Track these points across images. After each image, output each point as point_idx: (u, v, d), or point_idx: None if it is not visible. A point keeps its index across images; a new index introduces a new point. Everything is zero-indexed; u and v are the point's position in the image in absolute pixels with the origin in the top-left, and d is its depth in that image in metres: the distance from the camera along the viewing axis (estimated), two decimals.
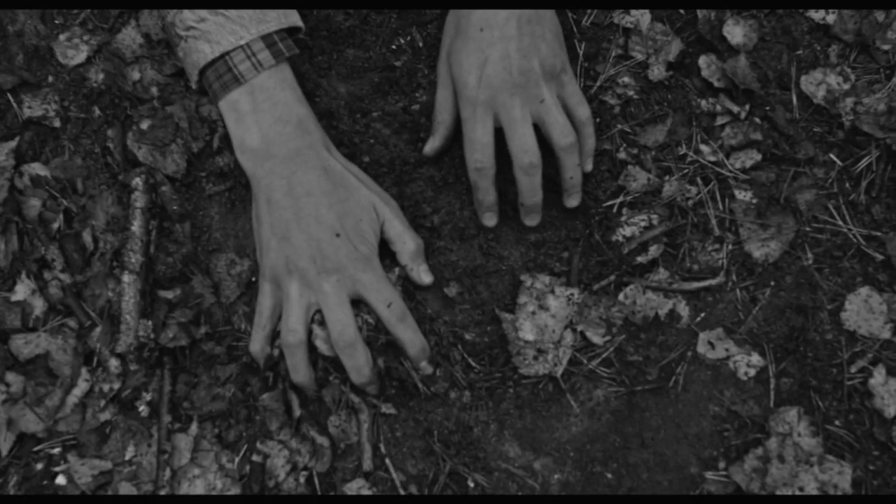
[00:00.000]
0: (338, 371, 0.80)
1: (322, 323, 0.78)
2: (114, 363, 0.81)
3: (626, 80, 0.88)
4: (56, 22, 0.89)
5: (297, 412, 0.80)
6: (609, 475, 0.80)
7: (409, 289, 0.83)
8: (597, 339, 0.82)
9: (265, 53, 0.77)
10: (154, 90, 0.87)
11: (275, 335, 0.81)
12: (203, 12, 0.76)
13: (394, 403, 0.81)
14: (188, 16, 0.77)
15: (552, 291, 0.83)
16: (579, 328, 0.82)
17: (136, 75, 0.87)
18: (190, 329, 0.82)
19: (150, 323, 0.82)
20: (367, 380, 0.78)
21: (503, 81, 0.78)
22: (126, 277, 0.81)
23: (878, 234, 0.84)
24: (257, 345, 0.80)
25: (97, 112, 0.87)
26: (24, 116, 0.87)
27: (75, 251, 0.84)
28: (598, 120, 0.87)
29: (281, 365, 0.81)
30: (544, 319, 0.82)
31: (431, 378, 0.82)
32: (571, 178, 0.82)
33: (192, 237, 0.85)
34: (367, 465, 0.80)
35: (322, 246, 0.76)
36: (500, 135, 0.80)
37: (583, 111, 0.83)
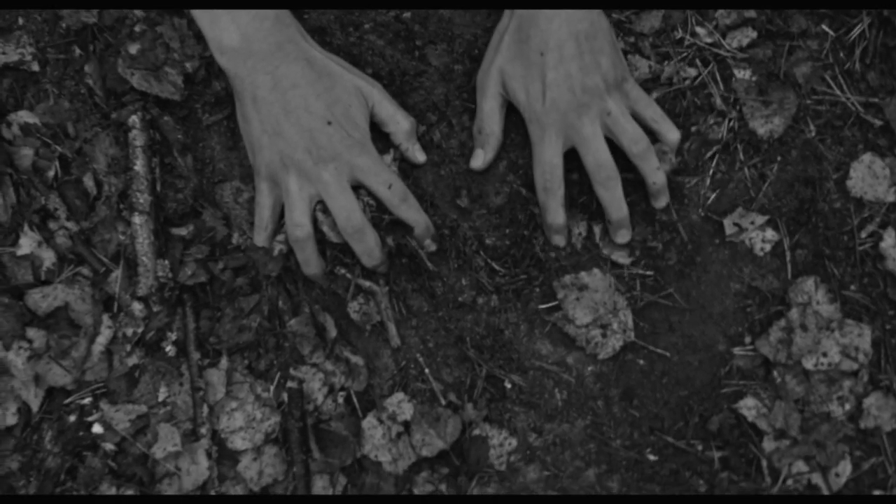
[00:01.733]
0: (347, 257, 0.87)
1: (325, 212, 0.85)
2: (137, 307, 0.86)
3: None
4: None
5: (333, 333, 0.87)
6: (641, 361, 0.89)
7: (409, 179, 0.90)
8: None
9: None
10: (137, 12, 0.90)
11: (276, 233, 0.88)
12: None
13: (415, 303, 0.89)
14: None
15: None
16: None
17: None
18: (208, 265, 0.88)
19: (167, 262, 0.87)
20: (379, 261, 0.85)
21: (569, 103, 0.85)
22: (137, 219, 0.86)
23: (875, 100, 0.93)
24: (260, 244, 0.87)
25: (77, 51, 0.91)
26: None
27: (77, 197, 0.88)
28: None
29: (299, 283, 0.88)
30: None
31: (438, 260, 0.89)
32: (654, 182, 0.88)
33: (195, 170, 0.90)
34: (395, 341, 0.88)
35: (315, 136, 0.82)
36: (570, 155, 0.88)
37: (652, 111, 0.89)
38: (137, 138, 0.88)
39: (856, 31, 0.94)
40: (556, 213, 0.88)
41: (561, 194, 0.88)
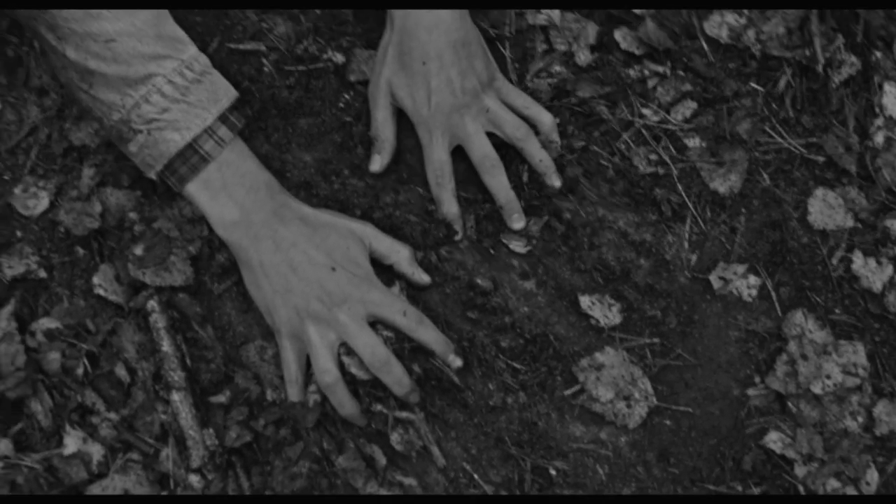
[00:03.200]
0: (379, 391, 0.97)
1: (349, 353, 0.95)
2: (194, 479, 0.96)
3: (557, 68, 1.10)
4: (5, 178, 1.03)
5: (383, 461, 0.98)
6: (668, 422, 1.02)
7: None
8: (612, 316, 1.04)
9: (223, 129, 0.93)
10: (133, 215, 1.01)
11: (307, 384, 0.98)
12: (164, 102, 0.90)
13: (451, 417, 1.00)
14: (148, 109, 0.90)
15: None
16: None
17: (97, 207, 1.02)
18: (250, 424, 0.98)
19: (211, 430, 0.97)
20: (409, 388, 0.96)
21: (452, 105, 1.00)
22: (175, 396, 0.96)
23: (814, 139, 1.09)
24: (295, 399, 0.97)
25: (80, 251, 1.02)
26: (7, 278, 1.00)
27: (112, 388, 0.98)
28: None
29: (338, 425, 0.99)
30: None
31: (463, 372, 1.01)
32: (541, 160, 1.04)
33: (217, 338, 1.00)
34: (441, 461, 0.99)
35: (324, 284, 0.94)
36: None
37: (522, 100, 1.05)
38: (159, 321, 0.98)
39: (782, 83, 1.10)
40: (449, 203, 1.03)
41: (452, 187, 1.03)
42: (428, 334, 0.97)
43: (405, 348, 0.97)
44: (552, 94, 1.08)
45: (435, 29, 0.98)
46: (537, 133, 1.05)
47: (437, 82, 0.99)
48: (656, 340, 1.03)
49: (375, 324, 0.96)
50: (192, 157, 0.91)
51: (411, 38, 0.99)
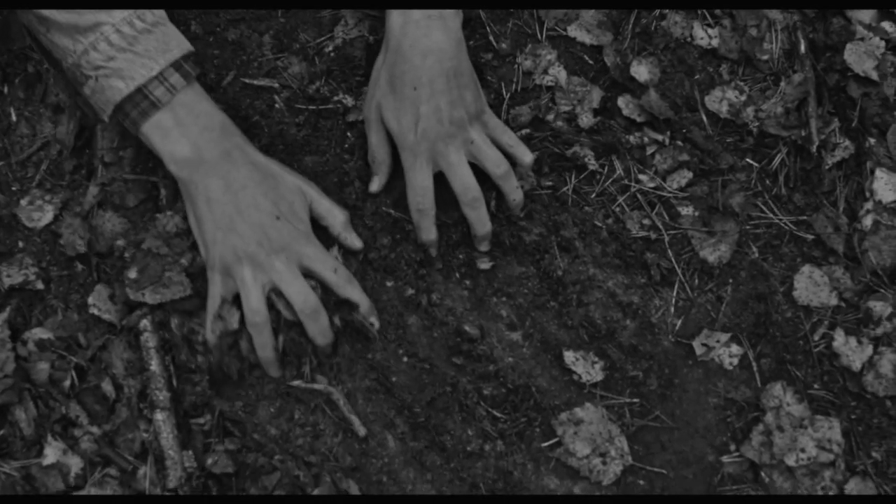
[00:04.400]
0: (300, 336, 1.03)
1: (277, 297, 1.01)
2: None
3: (559, 124, 1.16)
4: (13, 189, 1.09)
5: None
6: (641, 482, 1.06)
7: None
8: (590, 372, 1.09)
9: (176, 77, 0.99)
10: (120, 242, 1.07)
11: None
12: (110, 50, 0.96)
13: (428, 459, 1.05)
14: (95, 56, 0.96)
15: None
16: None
17: (87, 234, 1.08)
18: (236, 455, 1.03)
19: (191, 453, 1.02)
20: (330, 339, 1.03)
21: (438, 133, 1.05)
22: (159, 415, 1.01)
23: (804, 217, 1.15)
24: (211, 335, 1.03)
25: (79, 267, 1.07)
26: (5, 286, 1.05)
27: (97, 402, 1.03)
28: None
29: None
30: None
31: (440, 414, 1.06)
32: (514, 199, 1.10)
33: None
34: (361, 430, 1.05)
35: (266, 230, 1.00)
36: (439, 179, 1.07)
37: (507, 137, 1.10)
38: (150, 340, 1.03)
39: (776, 161, 1.17)
40: (429, 230, 1.08)
41: (433, 214, 1.07)
42: (355, 293, 1.04)
43: (330, 301, 1.03)
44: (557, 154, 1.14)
45: (430, 55, 1.03)
46: (514, 167, 1.10)
47: (425, 109, 1.04)
48: (636, 400, 1.08)
49: (306, 277, 1.03)
50: (142, 103, 0.98)
51: (405, 61, 1.04)
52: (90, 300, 1.05)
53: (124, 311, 1.05)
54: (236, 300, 1.02)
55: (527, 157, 1.11)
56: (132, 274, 1.04)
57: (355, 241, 1.09)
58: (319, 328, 1.02)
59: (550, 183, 1.13)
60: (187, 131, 0.99)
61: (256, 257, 0.99)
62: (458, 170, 1.06)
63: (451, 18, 1.04)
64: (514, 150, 1.10)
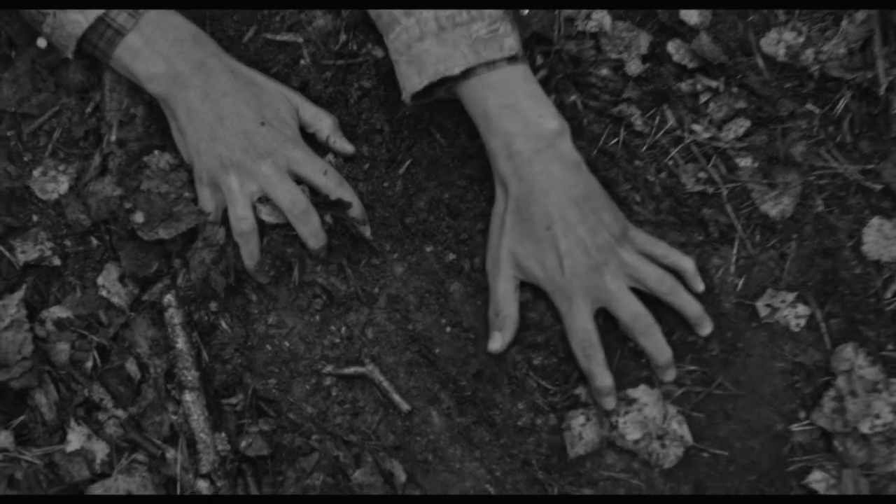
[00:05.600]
0: (285, 242, 1.00)
1: (262, 202, 0.98)
2: (203, 484, 0.96)
3: (604, 72, 1.10)
4: (25, 160, 1.04)
5: (402, 478, 0.98)
6: (705, 454, 1.01)
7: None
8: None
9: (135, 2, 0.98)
10: (116, 193, 1.02)
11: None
12: None
13: (476, 435, 1.00)
14: None
15: None
16: None
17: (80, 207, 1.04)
18: (271, 437, 0.98)
19: (223, 435, 0.97)
20: (324, 241, 1.00)
21: (588, 265, 0.97)
22: (188, 396, 0.97)
23: (871, 166, 1.09)
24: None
25: (94, 242, 1.03)
26: (20, 263, 1.01)
27: (121, 384, 0.99)
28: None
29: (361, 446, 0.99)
30: None
31: (477, 377, 1.02)
32: (693, 313, 1.01)
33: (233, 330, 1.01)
34: (404, 406, 1.01)
35: (250, 136, 0.97)
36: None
37: (660, 249, 1.02)
38: (175, 316, 0.99)
39: (840, 106, 1.10)
40: (603, 375, 0.99)
41: (602, 357, 0.99)
42: (347, 194, 1.01)
43: (319, 203, 1.00)
44: (598, 108, 1.09)
45: (552, 190, 0.97)
46: (680, 279, 1.03)
47: (566, 245, 0.97)
48: (696, 368, 1.03)
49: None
50: (106, 32, 0.97)
51: (530, 203, 0.98)
52: (99, 281, 1.02)
53: (134, 293, 1.01)
54: (224, 219, 1.01)
55: (686, 262, 1.03)
56: (139, 218, 1.00)
57: (346, 146, 1.05)
58: (310, 229, 0.99)
59: (597, 133, 1.07)
60: (157, 47, 0.98)
61: (242, 164, 0.97)
62: (621, 299, 0.99)
63: (561, 142, 0.99)
64: (671, 259, 1.03)
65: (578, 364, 1.00)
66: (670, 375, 1.01)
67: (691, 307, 1.01)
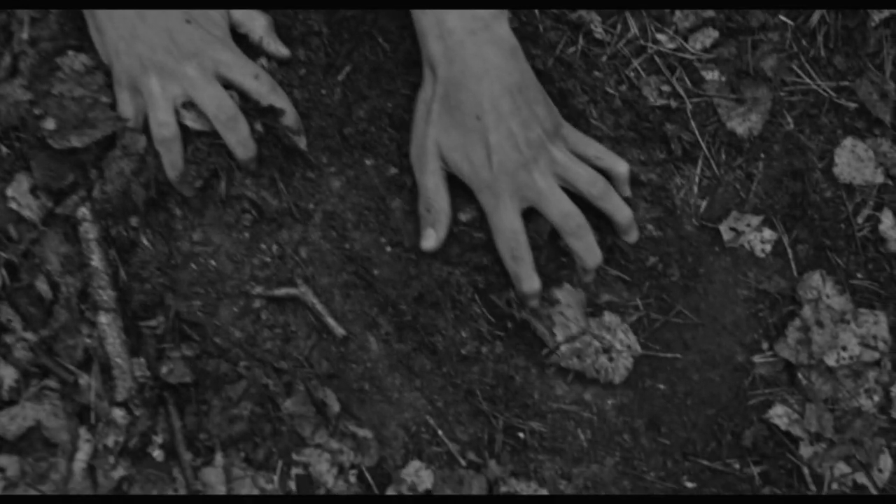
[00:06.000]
0: (211, 151, 0.93)
1: (187, 107, 0.91)
2: (118, 413, 0.89)
3: None
4: None
5: (336, 408, 0.91)
6: (661, 385, 0.96)
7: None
8: None
9: None
10: (25, 97, 0.93)
11: None
12: None
13: (416, 363, 0.94)
14: None
15: None
16: None
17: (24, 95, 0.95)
18: (195, 362, 0.92)
19: (142, 360, 0.90)
20: (254, 152, 0.93)
21: (517, 161, 0.90)
22: (103, 318, 0.89)
23: (846, 83, 1.03)
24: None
25: (3, 150, 0.94)
26: None
27: (31, 304, 0.91)
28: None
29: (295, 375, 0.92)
30: None
31: (429, 310, 0.95)
32: (623, 218, 0.95)
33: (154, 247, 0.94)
34: (339, 330, 0.94)
35: (174, 35, 0.90)
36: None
37: (594, 149, 0.96)
38: (90, 231, 0.91)
39: (814, 17, 1.04)
40: (530, 279, 0.93)
41: (531, 259, 0.93)
42: (280, 101, 0.94)
43: (249, 110, 0.93)
44: (555, 14, 1.01)
45: (486, 76, 0.90)
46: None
47: (496, 137, 0.90)
48: (654, 294, 0.97)
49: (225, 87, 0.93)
50: None
51: (459, 89, 0.91)
52: (9, 192, 0.93)
53: (48, 206, 0.93)
54: (145, 126, 0.93)
55: (621, 166, 0.96)
56: (50, 125, 0.92)
57: (280, 48, 0.97)
58: (238, 137, 0.91)
59: (554, 41, 1.00)
60: None
61: (165, 65, 0.89)
62: (551, 197, 0.92)
63: (498, 25, 0.91)
64: (604, 161, 0.96)
65: (504, 263, 0.94)
66: (592, 277, 0.97)
67: (622, 212, 0.95)
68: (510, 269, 0.94)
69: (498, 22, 0.91)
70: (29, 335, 0.91)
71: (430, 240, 0.95)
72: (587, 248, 0.93)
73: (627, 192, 0.98)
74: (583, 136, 0.96)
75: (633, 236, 0.97)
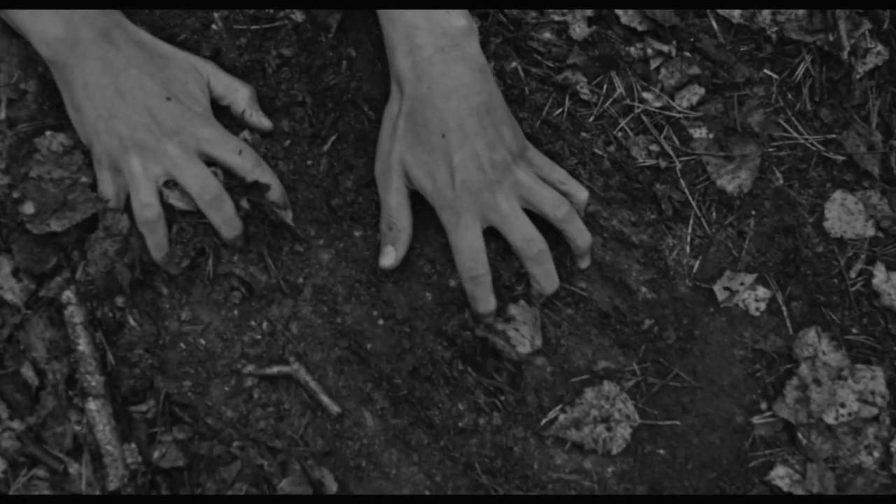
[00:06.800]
0: (196, 231, 0.93)
1: (170, 186, 0.91)
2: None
3: (547, 36, 1.04)
4: None
5: (333, 487, 0.91)
6: (661, 451, 0.96)
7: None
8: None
9: None
10: (3, 181, 0.93)
11: None
12: None
13: (413, 438, 0.94)
14: None
15: None
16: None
17: None
18: (187, 445, 0.91)
19: (134, 446, 0.90)
20: (239, 230, 0.92)
21: (481, 182, 0.91)
22: (91, 404, 0.89)
23: (833, 135, 1.04)
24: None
25: None
26: None
27: (17, 391, 0.90)
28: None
29: (291, 454, 0.92)
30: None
31: (424, 384, 0.95)
32: (582, 243, 0.96)
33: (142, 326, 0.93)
34: (334, 408, 0.93)
35: (154, 113, 0.90)
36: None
37: (557, 174, 0.96)
38: (75, 314, 0.90)
39: (800, 71, 1.05)
40: (486, 301, 0.94)
41: (489, 280, 0.93)
42: (264, 176, 0.93)
43: (234, 187, 0.92)
44: (541, 75, 1.02)
45: (453, 94, 0.90)
46: None
47: (460, 157, 0.90)
48: (651, 357, 0.97)
49: (208, 165, 0.92)
50: None
51: (426, 107, 0.91)
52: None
53: (30, 289, 0.92)
54: (128, 205, 0.92)
55: (582, 193, 0.97)
56: (29, 209, 0.91)
57: (263, 120, 0.97)
58: (223, 217, 0.91)
59: (540, 103, 1.00)
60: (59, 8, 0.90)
61: (145, 144, 0.89)
62: (513, 220, 0.92)
63: (468, 43, 0.92)
64: (567, 186, 0.97)
65: (462, 283, 0.94)
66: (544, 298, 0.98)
67: (582, 238, 0.96)
68: (468, 289, 0.94)
69: (468, 40, 0.92)
70: (15, 424, 0.90)
71: (389, 257, 0.96)
72: (546, 275, 0.94)
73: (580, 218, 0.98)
74: (547, 160, 0.97)
75: (586, 262, 0.99)
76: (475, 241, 0.92)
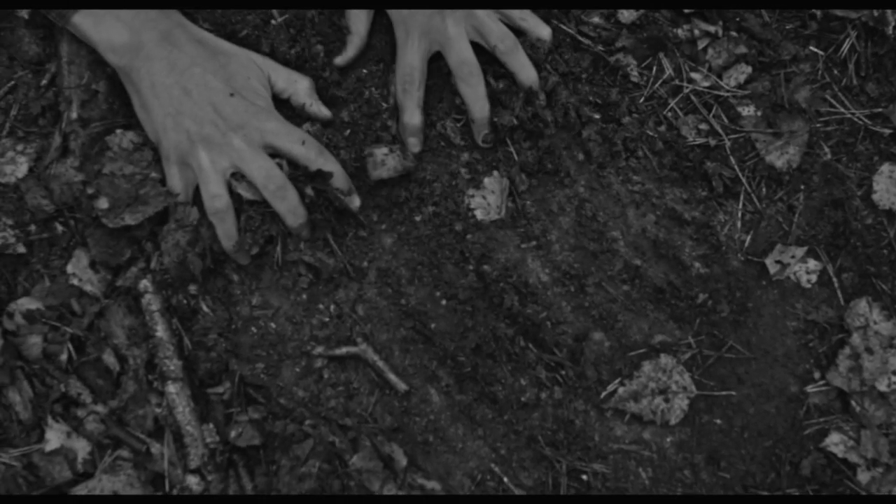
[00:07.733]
0: (264, 219, 0.98)
1: (237, 178, 0.96)
2: (193, 480, 0.94)
3: (596, 19, 1.08)
4: None
5: (403, 462, 0.96)
6: (718, 420, 1.00)
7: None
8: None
9: None
10: (78, 178, 0.99)
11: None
12: None
13: (478, 413, 0.98)
14: None
15: None
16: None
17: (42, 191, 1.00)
18: (262, 425, 0.96)
19: (211, 426, 0.95)
20: (304, 219, 0.97)
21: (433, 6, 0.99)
22: (171, 387, 0.94)
23: (880, 109, 1.07)
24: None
25: (60, 228, 0.99)
26: None
27: (99, 377, 0.96)
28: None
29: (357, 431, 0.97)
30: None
31: (474, 354, 1.00)
32: (526, 77, 1.01)
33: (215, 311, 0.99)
34: (401, 385, 0.99)
35: (219, 108, 0.95)
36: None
37: (520, 11, 1.03)
38: (152, 302, 0.96)
39: (845, 47, 1.08)
40: (412, 112, 1.02)
41: (419, 95, 1.02)
42: (327, 164, 0.98)
43: (299, 177, 0.97)
44: (591, 59, 1.06)
45: None
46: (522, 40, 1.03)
47: None
48: (705, 331, 1.02)
49: (272, 156, 0.97)
50: None
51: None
52: (69, 268, 0.99)
53: (108, 279, 0.98)
54: (196, 197, 0.98)
55: (542, 29, 1.04)
56: (103, 204, 0.97)
57: (322, 110, 1.03)
58: (288, 206, 0.96)
59: (592, 89, 1.05)
60: (121, 14, 0.95)
61: (212, 138, 0.94)
62: (455, 43, 1.00)
63: None
64: (528, 22, 1.04)
65: (396, 97, 1.03)
66: (485, 140, 1.03)
67: (525, 73, 1.02)
68: (399, 100, 1.03)
69: None
70: (99, 407, 0.96)
71: (341, 58, 1.05)
72: (476, 97, 1.01)
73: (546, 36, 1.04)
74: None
75: (534, 88, 1.03)
76: (415, 59, 1.01)
